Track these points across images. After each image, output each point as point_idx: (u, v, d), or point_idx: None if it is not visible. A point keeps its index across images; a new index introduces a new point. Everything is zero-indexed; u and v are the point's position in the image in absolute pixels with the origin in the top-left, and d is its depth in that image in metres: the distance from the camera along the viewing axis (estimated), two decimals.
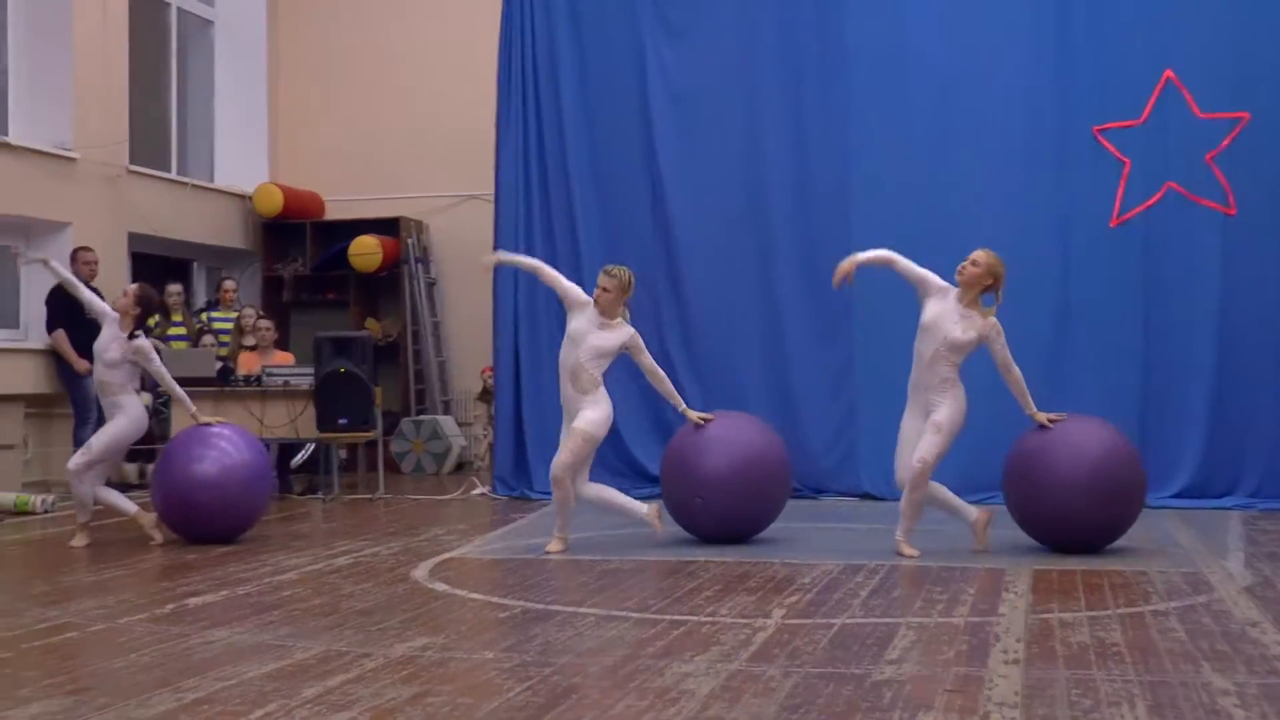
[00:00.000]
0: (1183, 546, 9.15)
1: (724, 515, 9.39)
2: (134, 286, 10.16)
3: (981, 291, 8.70)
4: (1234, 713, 4.93)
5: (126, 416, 9.67)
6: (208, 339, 13.76)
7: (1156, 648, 6.05)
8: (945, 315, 8.68)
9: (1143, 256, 11.87)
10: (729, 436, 9.52)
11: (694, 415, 9.50)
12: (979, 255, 8.68)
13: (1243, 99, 11.72)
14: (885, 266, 8.95)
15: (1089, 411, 11.75)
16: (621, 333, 9.20)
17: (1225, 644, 6.12)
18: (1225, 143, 11.73)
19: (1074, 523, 8.80)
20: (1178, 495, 11.53)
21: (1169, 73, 11.83)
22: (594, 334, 9.10)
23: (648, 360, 9.38)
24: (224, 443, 9.67)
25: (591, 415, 9.09)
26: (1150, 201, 11.87)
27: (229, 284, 14.73)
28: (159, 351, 13.37)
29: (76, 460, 9.67)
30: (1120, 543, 9.27)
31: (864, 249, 12.08)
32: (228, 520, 9.62)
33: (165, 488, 9.61)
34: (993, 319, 8.67)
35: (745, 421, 9.88)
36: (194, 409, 9.86)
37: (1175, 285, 11.81)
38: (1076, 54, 12.05)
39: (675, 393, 9.58)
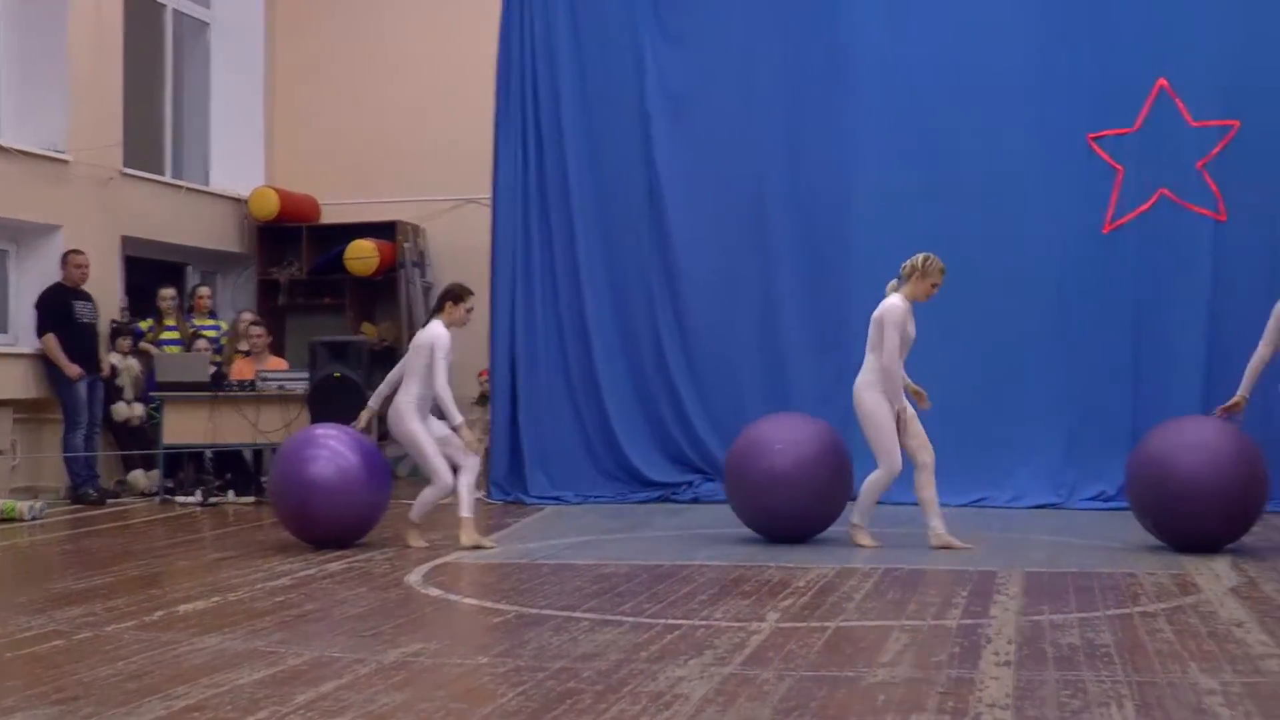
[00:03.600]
0: (1170, 548, 9.18)
1: (792, 511, 9.61)
2: None
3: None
4: (1219, 712, 4.97)
5: None
6: (201, 343, 13.78)
7: (1145, 648, 6.09)
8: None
9: (1135, 262, 11.96)
10: (793, 436, 9.78)
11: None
12: None
13: (1233, 107, 11.82)
14: None
15: (1081, 412, 11.91)
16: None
17: (1212, 644, 6.16)
18: (1216, 150, 11.82)
19: (1202, 524, 8.96)
20: None
21: (1162, 81, 11.91)
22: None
23: None
24: (335, 443, 9.60)
25: None
26: (1143, 208, 11.95)
27: (203, 291, 14.74)
28: (152, 356, 13.46)
29: None
30: (1110, 544, 9.33)
31: (862, 255, 12.27)
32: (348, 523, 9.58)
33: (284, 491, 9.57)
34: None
35: (805, 421, 10.10)
36: None
37: (1166, 290, 11.91)
38: (1072, 62, 12.12)
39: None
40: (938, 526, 9.30)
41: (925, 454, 9.32)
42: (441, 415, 9.46)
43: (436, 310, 9.80)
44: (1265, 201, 11.74)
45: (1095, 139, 12.07)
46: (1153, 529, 9.31)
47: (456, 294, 9.78)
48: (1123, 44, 12.02)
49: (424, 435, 9.51)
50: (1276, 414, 11.16)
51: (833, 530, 9.84)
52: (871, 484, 9.38)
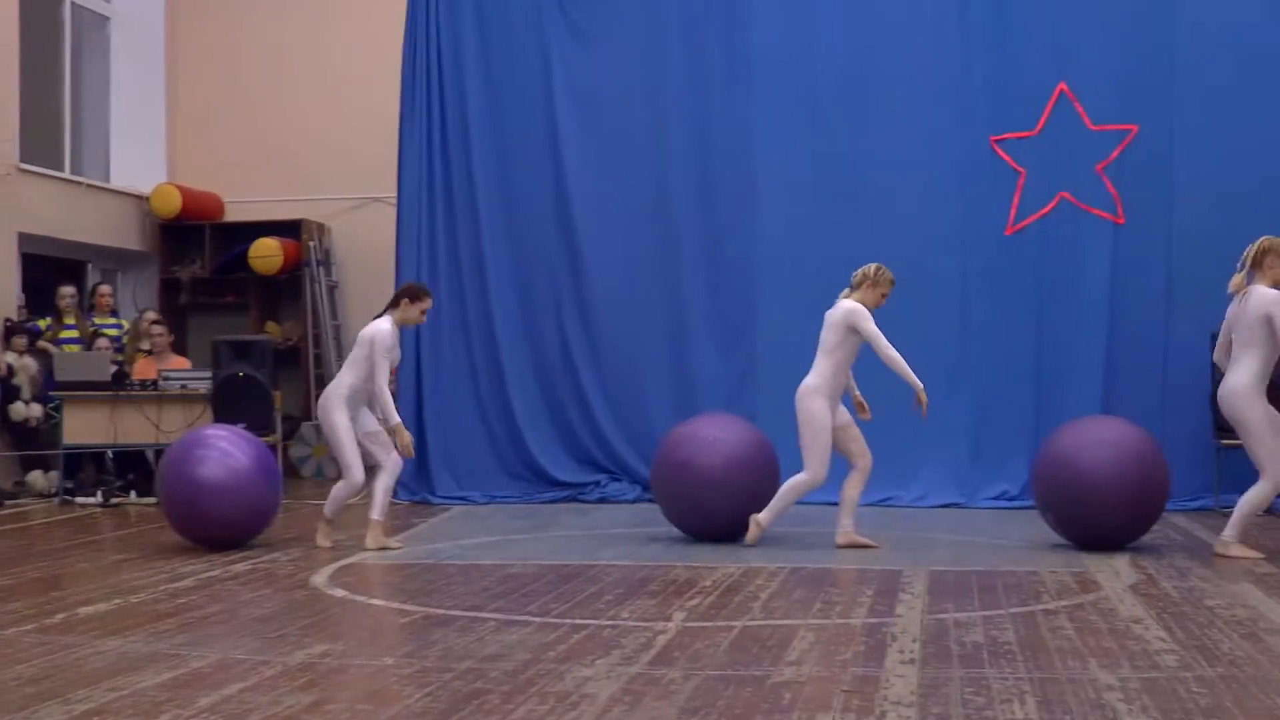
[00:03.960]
0: (1072, 547, 9.31)
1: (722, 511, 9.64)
2: None
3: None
4: (1118, 707, 5.06)
5: None
6: (102, 342, 13.58)
7: (1047, 645, 6.18)
8: None
9: (1037, 263, 12.13)
10: (723, 436, 9.81)
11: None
12: None
13: (1131, 111, 12.03)
14: None
15: (983, 411, 12.06)
16: None
17: (1111, 640, 6.27)
18: (1115, 154, 12.02)
19: (1107, 521, 9.11)
20: None
21: (1062, 85, 12.10)
22: None
23: None
24: (226, 444, 9.47)
25: None
26: (1044, 210, 12.13)
27: (104, 289, 14.53)
28: (51, 355, 13.24)
29: None
30: (1013, 542, 9.46)
31: (767, 254, 12.36)
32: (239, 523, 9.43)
33: (174, 492, 9.40)
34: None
35: (733, 421, 10.15)
36: None
37: (1067, 290, 12.10)
38: (974, 65, 12.27)
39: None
40: (848, 526, 9.37)
41: (865, 459, 9.42)
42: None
43: (390, 305, 9.69)
44: (1162, 204, 11.96)
45: (998, 141, 12.23)
46: (1056, 527, 9.45)
47: (414, 293, 9.71)
48: (1024, 48, 12.19)
49: (345, 429, 9.44)
50: None
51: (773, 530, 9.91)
52: (792, 487, 9.39)
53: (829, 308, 9.49)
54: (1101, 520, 9.10)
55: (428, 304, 9.75)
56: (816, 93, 12.49)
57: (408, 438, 9.45)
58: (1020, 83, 12.18)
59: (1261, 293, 8.61)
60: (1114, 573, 8.26)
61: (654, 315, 12.76)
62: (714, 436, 9.83)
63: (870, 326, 9.21)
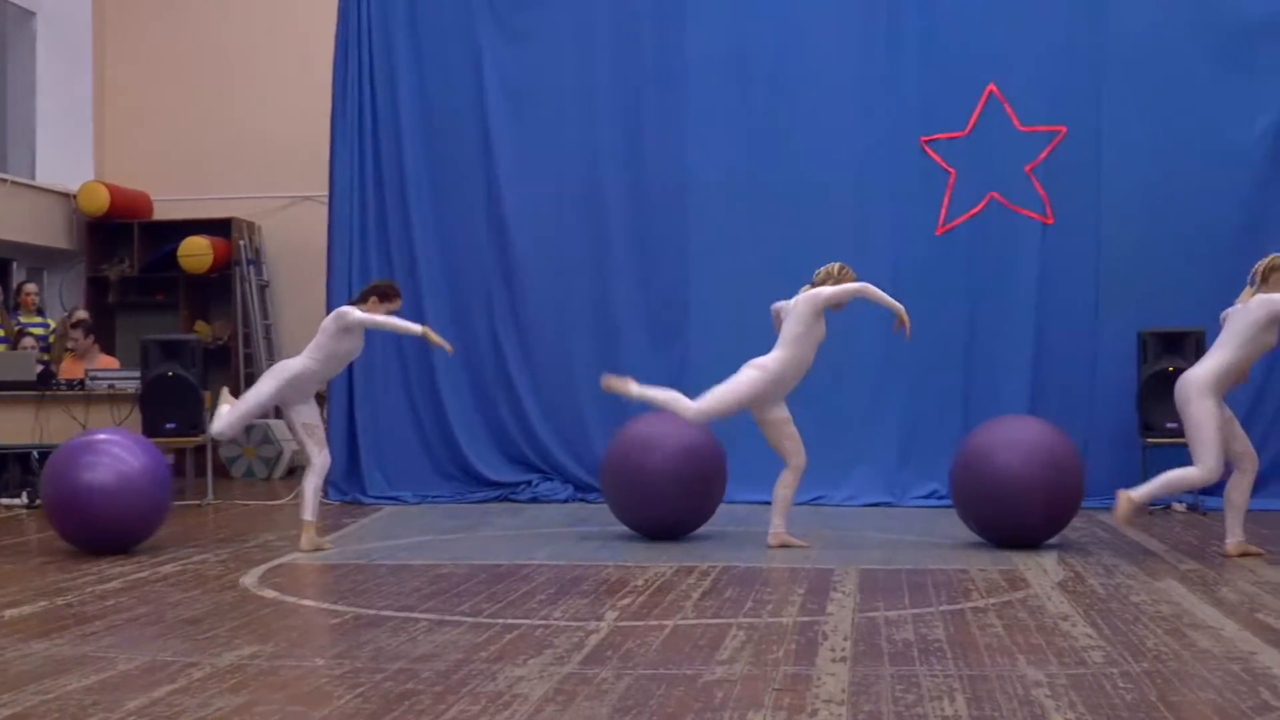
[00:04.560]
0: (1001, 544, 9.40)
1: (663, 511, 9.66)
2: None
3: None
4: (1045, 703, 5.11)
5: None
6: (28, 341, 13.42)
7: (976, 643, 6.24)
8: None
9: (966, 263, 12.24)
10: (669, 433, 9.76)
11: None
12: None
13: (1060, 113, 12.16)
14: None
15: (914, 410, 12.15)
16: None
17: (1039, 637, 6.33)
18: (1043, 155, 12.13)
19: (1022, 520, 9.19)
20: None
21: (991, 86, 12.21)
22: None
23: None
24: (118, 449, 9.27)
25: None
26: (974, 210, 12.23)
27: (29, 287, 14.36)
28: None
29: None
30: (943, 541, 9.54)
31: (698, 253, 12.41)
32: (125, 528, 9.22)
33: (57, 495, 9.19)
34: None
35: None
36: None
37: (996, 290, 12.21)
38: (905, 65, 12.36)
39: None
40: (779, 526, 9.40)
41: (798, 458, 9.41)
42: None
43: (358, 300, 9.60)
44: (1090, 205, 12.08)
45: (928, 142, 12.32)
46: (974, 527, 9.53)
47: (383, 292, 9.55)
48: (954, 49, 12.28)
49: (269, 394, 9.46)
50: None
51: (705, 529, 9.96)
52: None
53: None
54: (1016, 519, 9.19)
55: (396, 305, 9.54)
56: (748, 92, 12.54)
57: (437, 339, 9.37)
58: (950, 84, 12.28)
59: (1268, 296, 8.65)
60: (1042, 570, 8.34)
61: (586, 314, 12.77)
62: (664, 432, 9.81)
63: (829, 290, 9.17)
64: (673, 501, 9.69)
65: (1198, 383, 8.70)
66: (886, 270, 12.23)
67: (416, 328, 9.33)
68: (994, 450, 9.31)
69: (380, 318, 9.31)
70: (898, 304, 9.19)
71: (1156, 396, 11.02)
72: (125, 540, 9.25)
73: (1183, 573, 8.25)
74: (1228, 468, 8.89)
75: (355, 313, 9.31)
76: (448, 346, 9.56)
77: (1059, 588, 7.74)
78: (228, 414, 9.53)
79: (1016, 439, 9.40)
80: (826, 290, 9.20)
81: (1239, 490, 8.86)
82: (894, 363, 12.18)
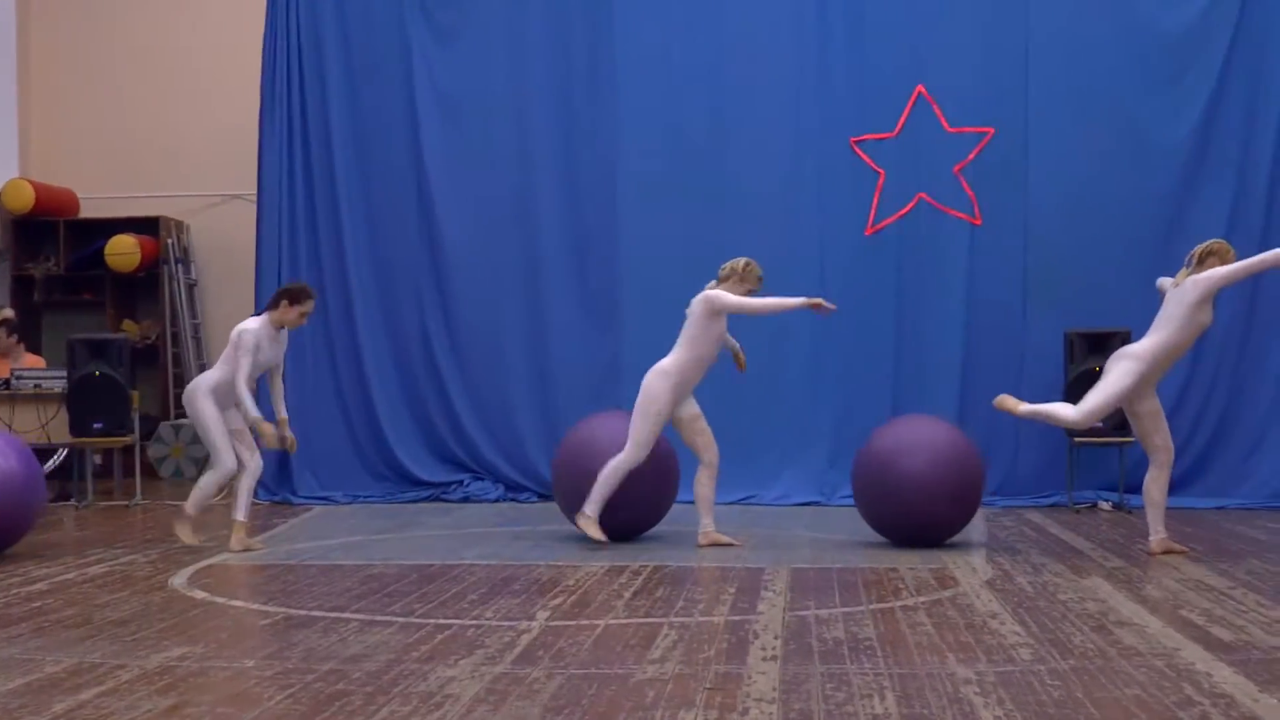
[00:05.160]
0: (930, 543, 9.48)
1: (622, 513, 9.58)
2: None
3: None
4: (974, 700, 5.17)
5: None
6: None
7: (906, 641, 6.29)
8: None
9: (896, 263, 12.31)
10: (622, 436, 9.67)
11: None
12: None
13: (987, 114, 12.26)
14: None
15: (843, 410, 12.22)
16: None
17: (969, 635, 6.40)
18: (971, 156, 12.24)
19: (924, 519, 9.27)
20: None
21: (920, 88, 12.30)
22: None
23: None
24: None
25: None
26: (903, 211, 12.32)
27: None
28: None
29: None
30: (873, 540, 9.61)
31: (628, 252, 12.43)
32: None
33: None
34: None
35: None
36: None
37: (925, 291, 12.29)
38: (834, 66, 12.43)
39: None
40: (708, 525, 9.44)
41: (711, 453, 9.44)
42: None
43: (269, 306, 9.55)
44: (1017, 206, 12.19)
45: (857, 142, 12.40)
46: (875, 526, 9.61)
47: (294, 294, 9.49)
48: (883, 50, 12.35)
49: (213, 417, 9.32)
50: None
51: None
52: (613, 470, 9.32)
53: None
54: (913, 518, 9.28)
55: (308, 307, 9.48)
56: (678, 91, 12.56)
57: (269, 431, 9.31)
58: (879, 84, 12.36)
59: (1199, 276, 8.74)
60: (971, 569, 8.42)
61: (517, 314, 12.75)
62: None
63: (731, 299, 9.21)
64: (631, 503, 9.61)
65: (1134, 351, 8.80)
66: (814, 271, 12.34)
67: (255, 413, 9.23)
68: (893, 452, 9.36)
69: (239, 389, 9.21)
70: (802, 299, 9.22)
71: (1083, 396, 11.13)
72: None
73: (1109, 570, 8.36)
74: (1145, 461, 9.03)
75: (242, 351, 9.23)
76: (291, 445, 9.58)
77: (988, 586, 7.82)
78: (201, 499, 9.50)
79: (916, 439, 9.45)
80: (726, 301, 9.23)
81: (1157, 486, 8.96)
82: (824, 363, 12.27)
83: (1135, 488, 11.69)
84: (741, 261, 9.39)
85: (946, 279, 12.27)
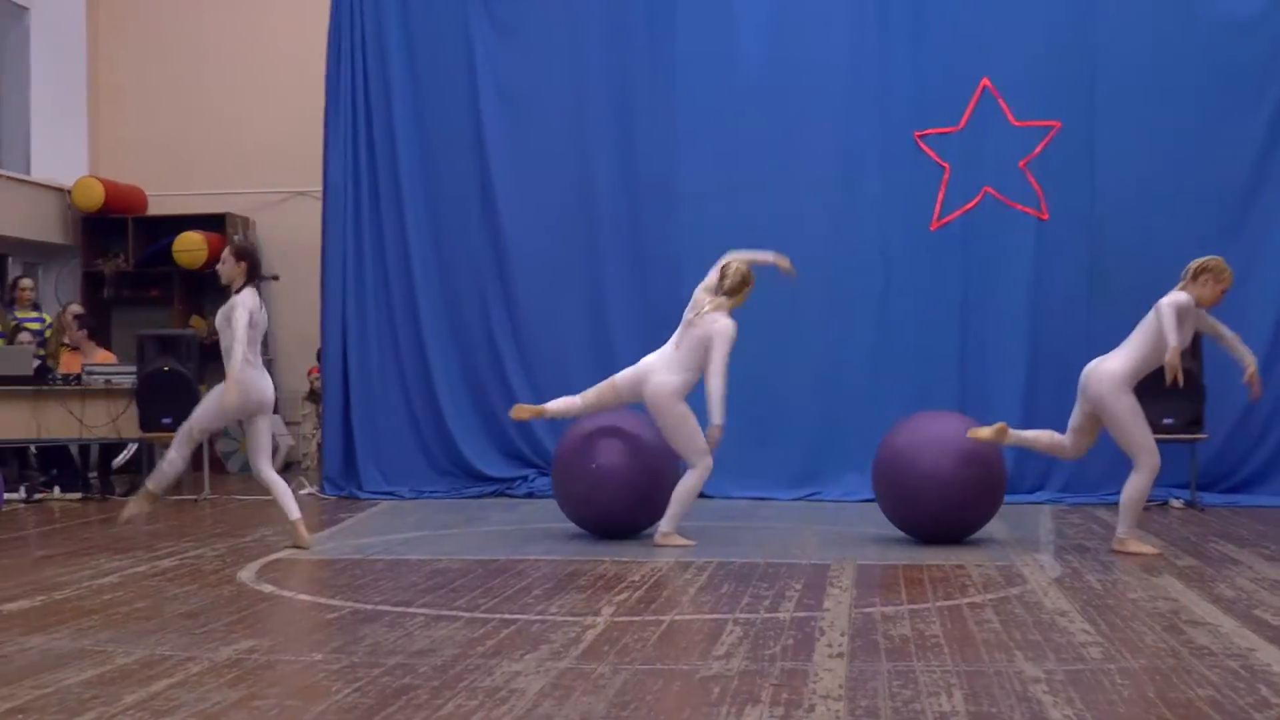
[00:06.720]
0: (998, 540, 9.42)
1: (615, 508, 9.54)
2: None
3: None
4: (1043, 699, 5.12)
5: None
6: (24, 336, 13.40)
7: (973, 638, 6.24)
8: None
9: (961, 258, 12.22)
10: (625, 431, 9.70)
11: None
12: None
13: (1054, 108, 12.14)
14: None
15: (908, 406, 12.12)
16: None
17: (1036, 633, 6.34)
18: (1038, 150, 12.13)
19: (945, 516, 9.19)
20: None
21: (985, 81, 12.20)
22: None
23: None
24: None
25: None
26: (968, 206, 12.22)
27: (25, 282, 14.32)
28: None
29: None
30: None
31: (690, 249, 12.39)
32: None
33: None
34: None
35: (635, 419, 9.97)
36: None
37: (991, 286, 12.19)
38: (898, 60, 12.35)
39: None
40: (667, 525, 9.32)
41: (705, 459, 9.35)
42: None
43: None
44: (1084, 200, 12.08)
45: (921, 137, 12.32)
46: (896, 522, 9.54)
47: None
48: (948, 43, 12.26)
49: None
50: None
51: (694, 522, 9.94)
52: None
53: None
54: (933, 514, 9.21)
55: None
56: (740, 88, 12.51)
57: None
58: (943, 78, 12.26)
59: (1166, 300, 8.70)
60: (1039, 566, 8.35)
61: (579, 310, 12.76)
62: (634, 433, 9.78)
63: (719, 355, 9.13)
64: (627, 502, 9.56)
65: (1111, 378, 8.74)
66: (878, 266, 12.29)
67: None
68: (913, 448, 9.28)
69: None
70: (721, 418, 9.12)
71: (1148, 391, 11.00)
72: None
73: (1180, 569, 8.26)
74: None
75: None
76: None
77: (1056, 584, 7.74)
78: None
79: (934, 435, 9.35)
80: (720, 350, 9.17)
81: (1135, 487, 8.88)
82: (888, 359, 12.19)
83: (1207, 485, 11.63)
84: (733, 267, 9.34)
85: (1012, 274, 12.16)
